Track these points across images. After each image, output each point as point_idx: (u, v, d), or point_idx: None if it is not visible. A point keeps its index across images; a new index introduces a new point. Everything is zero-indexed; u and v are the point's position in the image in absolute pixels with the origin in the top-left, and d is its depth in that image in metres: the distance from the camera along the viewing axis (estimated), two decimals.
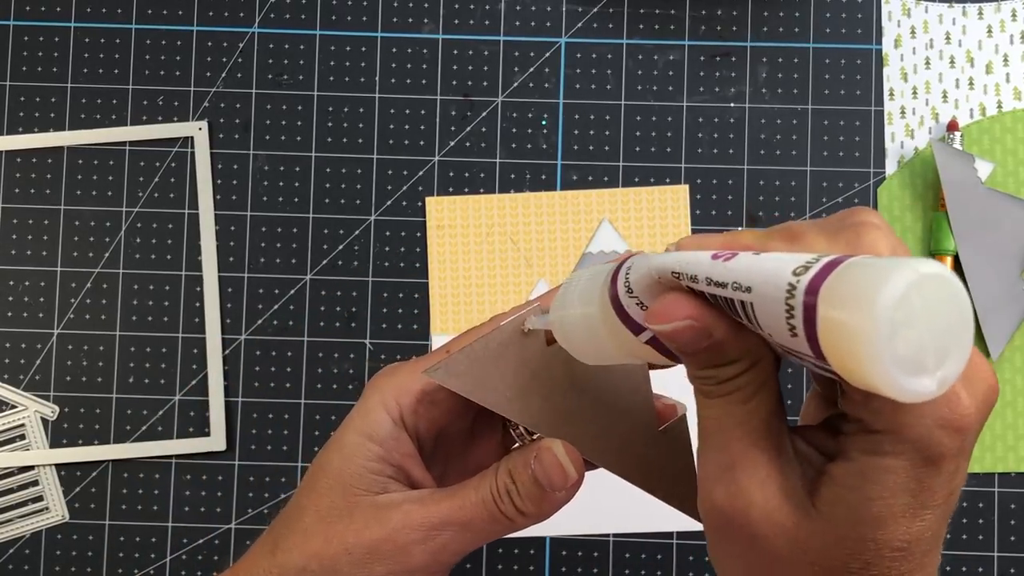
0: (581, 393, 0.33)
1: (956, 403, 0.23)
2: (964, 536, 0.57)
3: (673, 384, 0.34)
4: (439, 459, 0.36)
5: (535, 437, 0.33)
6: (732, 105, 0.60)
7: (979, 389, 0.24)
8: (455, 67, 0.60)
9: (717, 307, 0.24)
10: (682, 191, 0.59)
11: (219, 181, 0.60)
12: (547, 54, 0.60)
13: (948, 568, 0.57)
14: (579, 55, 0.60)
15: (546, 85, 0.60)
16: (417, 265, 0.59)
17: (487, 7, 0.60)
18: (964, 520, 0.57)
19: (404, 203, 0.60)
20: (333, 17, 0.60)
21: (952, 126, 0.58)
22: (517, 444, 0.34)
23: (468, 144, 0.60)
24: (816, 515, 0.25)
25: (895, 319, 0.19)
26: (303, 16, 0.60)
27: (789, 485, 0.25)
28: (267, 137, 0.60)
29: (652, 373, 0.34)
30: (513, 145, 0.60)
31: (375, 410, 0.33)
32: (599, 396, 0.33)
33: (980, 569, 0.57)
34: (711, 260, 0.24)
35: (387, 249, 0.59)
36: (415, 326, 0.59)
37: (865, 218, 0.25)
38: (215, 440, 0.58)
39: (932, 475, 0.23)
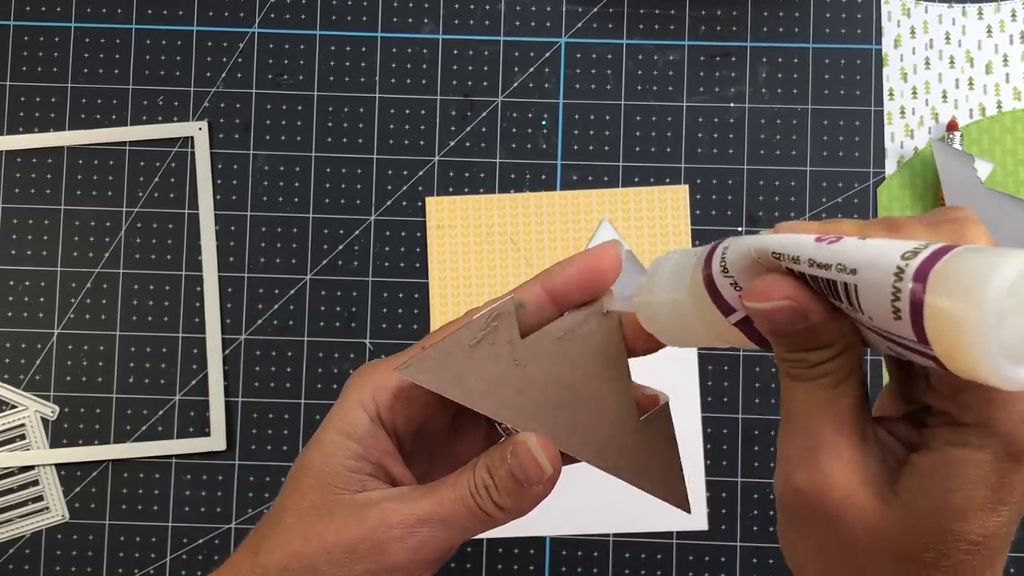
0: (558, 385, 0.32)
1: None
2: None
3: (656, 375, 0.34)
4: (423, 456, 0.36)
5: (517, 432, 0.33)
6: (732, 105, 0.60)
7: None
8: (455, 67, 0.60)
9: (815, 290, 0.24)
10: (682, 191, 0.59)
11: (219, 181, 0.60)
12: (547, 54, 0.60)
13: None
14: (579, 55, 0.60)
15: (546, 85, 0.60)
16: (417, 265, 0.59)
17: (487, 7, 0.60)
18: None
19: (404, 203, 0.60)
20: (333, 17, 0.60)
21: (952, 126, 0.58)
22: (504, 439, 0.34)
23: (468, 144, 0.60)
24: (897, 503, 0.25)
25: (1004, 307, 0.19)
26: (303, 16, 0.60)
27: (871, 472, 0.25)
28: (267, 137, 0.60)
29: (632, 363, 0.33)
30: (513, 145, 0.60)
31: (353, 408, 0.33)
32: (577, 387, 0.33)
33: None
34: (815, 242, 0.24)
35: (387, 249, 0.59)
36: (415, 326, 0.59)
37: (967, 214, 0.26)
38: (215, 440, 0.58)
39: (1014, 471, 0.24)
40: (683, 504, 0.33)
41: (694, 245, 0.59)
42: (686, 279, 0.28)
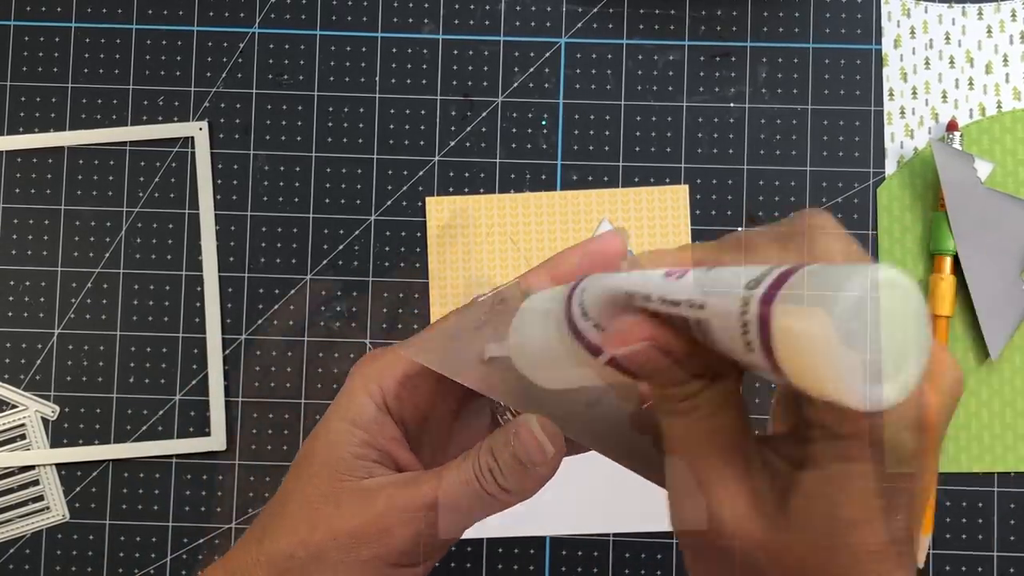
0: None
1: (921, 402, 0.23)
2: (964, 536, 0.57)
3: None
4: (428, 446, 0.36)
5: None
6: (732, 105, 0.60)
7: (943, 384, 0.24)
8: (455, 67, 0.60)
9: (674, 325, 0.24)
10: (682, 191, 0.59)
11: (219, 181, 0.60)
12: (547, 54, 0.60)
13: (948, 568, 0.57)
14: (579, 55, 0.60)
15: (546, 85, 0.60)
16: (417, 265, 0.59)
17: (487, 7, 0.60)
18: (964, 520, 0.57)
19: (404, 203, 0.60)
20: (333, 17, 0.60)
21: (952, 126, 0.58)
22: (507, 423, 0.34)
23: (468, 144, 0.60)
24: (789, 525, 0.24)
25: (851, 328, 0.19)
26: (303, 16, 0.60)
27: (759, 498, 0.25)
28: (267, 137, 0.60)
29: None
30: (513, 145, 0.60)
31: (358, 395, 0.33)
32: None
33: (980, 569, 0.57)
34: (663, 278, 0.23)
35: (387, 249, 0.59)
36: (415, 326, 0.59)
37: (815, 222, 0.25)
38: (215, 440, 0.58)
39: (900, 477, 0.23)
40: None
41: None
42: (553, 321, 0.27)
